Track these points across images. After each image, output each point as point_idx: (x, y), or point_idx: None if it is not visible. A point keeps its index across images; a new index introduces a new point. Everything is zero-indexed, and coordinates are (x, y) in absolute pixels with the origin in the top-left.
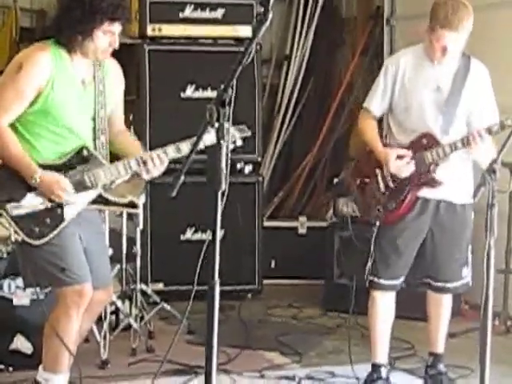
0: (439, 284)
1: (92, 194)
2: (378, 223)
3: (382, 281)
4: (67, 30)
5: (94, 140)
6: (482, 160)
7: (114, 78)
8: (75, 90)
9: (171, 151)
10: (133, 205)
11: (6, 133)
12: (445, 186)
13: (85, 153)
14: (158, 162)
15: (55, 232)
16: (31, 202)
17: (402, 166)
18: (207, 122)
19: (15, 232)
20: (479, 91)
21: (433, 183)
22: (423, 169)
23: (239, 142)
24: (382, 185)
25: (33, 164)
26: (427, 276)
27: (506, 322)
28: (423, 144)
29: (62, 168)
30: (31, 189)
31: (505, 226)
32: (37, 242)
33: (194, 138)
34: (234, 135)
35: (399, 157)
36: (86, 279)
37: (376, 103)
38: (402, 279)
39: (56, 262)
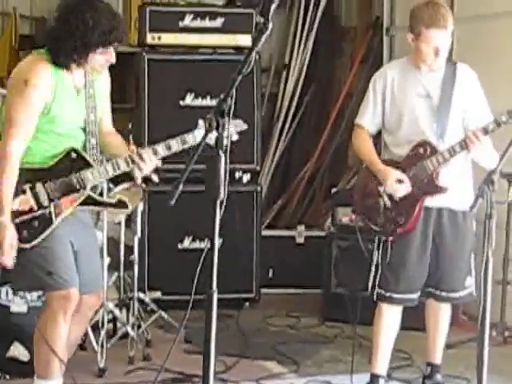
0: (442, 294)
1: (81, 196)
2: (390, 239)
3: (389, 294)
4: (63, 57)
5: (85, 142)
6: (484, 161)
7: (103, 81)
8: (70, 97)
9: (160, 149)
10: (122, 204)
11: (11, 161)
12: (446, 193)
13: (73, 155)
14: (147, 159)
15: (44, 235)
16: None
17: (399, 189)
18: (207, 130)
19: None
20: (469, 94)
21: (438, 190)
22: (427, 178)
23: (235, 137)
24: (387, 201)
25: (7, 208)
26: (429, 285)
27: (503, 332)
28: (421, 153)
29: (49, 171)
30: (22, 191)
31: (503, 236)
32: (26, 246)
33: (184, 136)
34: (230, 130)
35: (399, 180)
36: (72, 283)
37: (368, 118)
38: (415, 294)
39: (43, 265)
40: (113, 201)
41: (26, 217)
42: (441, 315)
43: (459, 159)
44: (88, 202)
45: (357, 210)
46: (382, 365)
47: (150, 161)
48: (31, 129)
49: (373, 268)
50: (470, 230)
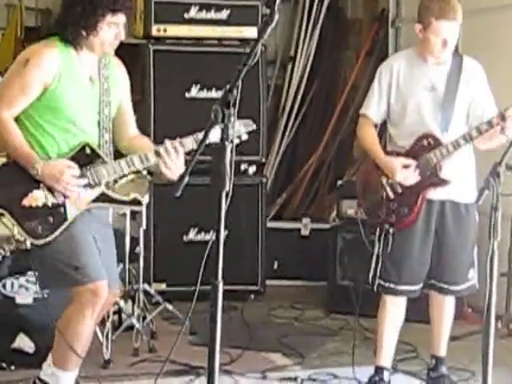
0: (445, 286)
1: (95, 192)
2: (391, 230)
3: (393, 286)
4: (71, 27)
5: (99, 138)
6: (492, 147)
7: (119, 77)
8: (83, 87)
9: (189, 143)
10: (137, 202)
11: (8, 123)
12: (449, 185)
13: (87, 150)
14: (173, 152)
15: (59, 230)
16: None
17: (408, 176)
18: (212, 122)
19: (18, 232)
20: (475, 87)
21: (441, 183)
22: (430, 170)
23: (244, 137)
24: (390, 192)
25: (33, 154)
26: (432, 277)
27: (508, 325)
28: (425, 145)
29: None
30: (37, 186)
31: (508, 229)
32: (40, 242)
33: (198, 134)
34: (240, 130)
35: (405, 166)
36: (101, 277)
37: (373, 109)
38: (418, 286)
39: (69, 261)
40: (127, 198)
41: (40, 212)
42: (445, 307)
43: (463, 151)
44: (102, 198)
45: (359, 201)
46: (386, 357)
47: (175, 154)
48: (22, 108)
49: (373, 259)
50: (473, 222)
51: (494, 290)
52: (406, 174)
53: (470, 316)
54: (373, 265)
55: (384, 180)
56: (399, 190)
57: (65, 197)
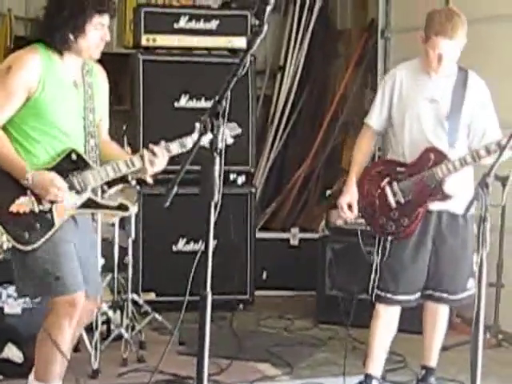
0: (443, 295)
1: (82, 198)
2: (389, 239)
3: (389, 295)
4: (59, 32)
5: (85, 143)
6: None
7: (102, 83)
8: (67, 92)
9: (175, 147)
10: (124, 207)
11: None
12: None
13: (73, 156)
14: (160, 155)
15: (45, 237)
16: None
17: (344, 211)
18: (201, 132)
19: (6, 239)
20: (478, 102)
21: (444, 198)
22: (434, 184)
23: (230, 141)
24: (392, 201)
25: (24, 164)
26: (430, 288)
27: (497, 335)
28: (431, 159)
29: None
30: (23, 193)
31: (497, 239)
32: (27, 248)
33: (183, 139)
34: (225, 133)
35: (349, 205)
36: (78, 288)
37: (375, 117)
38: (415, 295)
39: (51, 270)
40: (114, 203)
41: (27, 219)
42: (438, 318)
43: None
44: (89, 204)
45: (360, 209)
46: (376, 366)
47: (162, 157)
48: (8, 116)
49: (373, 269)
50: (471, 232)
51: (482, 301)
52: (346, 213)
53: (458, 326)
54: (372, 275)
55: (387, 189)
56: (402, 201)
57: (52, 203)
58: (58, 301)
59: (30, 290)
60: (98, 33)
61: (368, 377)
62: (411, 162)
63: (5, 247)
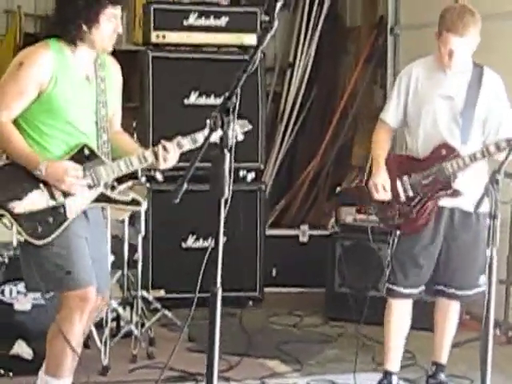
0: (455, 291)
1: (94, 193)
2: (398, 232)
3: (400, 289)
4: (73, 22)
5: (97, 138)
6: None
7: (115, 76)
8: (79, 87)
9: (186, 143)
10: (136, 202)
11: (7, 126)
12: (460, 196)
13: (86, 151)
14: (171, 151)
15: (58, 231)
16: (35, 201)
17: (379, 191)
18: (211, 129)
19: (18, 232)
20: (493, 99)
21: (454, 193)
22: (444, 179)
23: (240, 137)
24: (402, 194)
25: (36, 155)
26: (441, 283)
27: (507, 332)
28: (443, 154)
29: None
30: (36, 186)
31: (507, 235)
32: (40, 242)
33: (194, 135)
34: (236, 130)
35: (383, 187)
36: (90, 283)
37: (391, 114)
38: (420, 288)
39: (62, 265)
40: (126, 198)
41: (40, 213)
42: (450, 315)
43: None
44: (101, 199)
45: (370, 203)
46: (393, 361)
47: (174, 153)
48: (19, 110)
49: (385, 263)
50: (483, 229)
51: (492, 297)
52: (378, 188)
53: (468, 323)
54: (386, 270)
55: (398, 182)
56: (411, 194)
57: (65, 197)
58: (69, 295)
59: (39, 284)
60: (111, 24)
61: (388, 374)
62: (423, 157)
63: (14, 244)
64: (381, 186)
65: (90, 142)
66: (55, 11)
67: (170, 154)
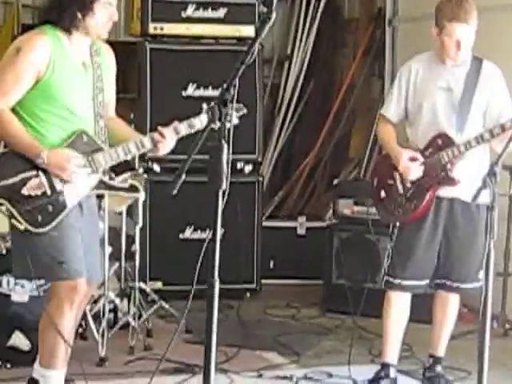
0: (454, 284)
1: (93, 180)
2: (397, 224)
3: (398, 281)
4: (67, 9)
5: (94, 124)
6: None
7: (110, 63)
8: (76, 73)
9: (183, 129)
10: (134, 188)
11: (6, 115)
12: (458, 184)
13: (84, 138)
14: (168, 135)
15: (59, 219)
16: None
17: (411, 167)
18: (210, 120)
19: (18, 221)
20: (492, 91)
21: (451, 182)
22: (440, 168)
23: (236, 121)
24: (400, 186)
25: (36, 142)
26: (440, 276)
27: (504, 324)
28: (439, 144)
29: None
30: (35, 175)
31: (504, 228)
32: (40, 230)
33: (191, 120)
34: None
35: (412, 159)
36: (81, 274)
37: (392, 108)
38: (423, 282)
39: (55, 255)
40: (125, 185)
41: (39, 201)
42: (449, 308)
43: (477, 153)
44: (100, 186)
45: (372, 196)
46: (391, 353)
47: (171, 138)
48: (17, 97)
49: (384, 256)
50: (484, 220)
51: (490, 290)
52: (409, 165)
53: (465, 316)
54: (384, 262)
55: (396, 174)
56: (408, 185)
57: (64, 184)
58: (60, 285)
59: (30, 272)
60: (106, 11)
61: (385, 366)
62: (422, 147)
63: (6, 230)
64: (408, 163)
65: (88, 128)
66: (50, 1)
67: (168, 140)
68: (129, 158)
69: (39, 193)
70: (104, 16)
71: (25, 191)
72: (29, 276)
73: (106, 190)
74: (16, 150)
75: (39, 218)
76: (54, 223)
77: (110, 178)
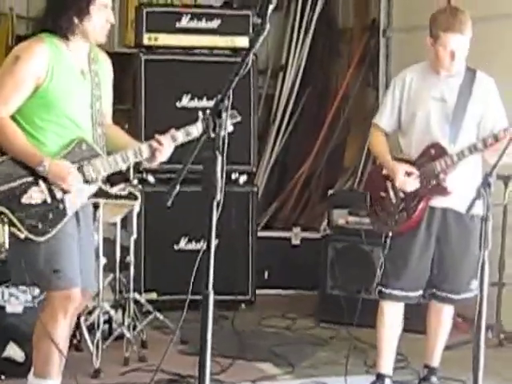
0: (445, 294)
1: (92, 188)
2: (390, 234)
3: (391, 291)
4: (64, 14)
5: (93, 132)
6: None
7: (107, 71)
8: (75, 80)
9: (180, 136)
10: (133, 196)
11: (7, 123)
12: (453, 194)
13: (83, 146)
14: (167, 145)
15: (58, 227)
16: (34, 197)
17: (408, 182)
18: (204, 132)
19: (18, 229)
20: (486, 102)
21: (443, 192)
22: (433, 178)
23: (230, 128)
24: (392, 196)
25: (38, 151)
26: (433, 286)
27: (498, 334)
28: (432, 154)
29: None
30: (35, 183)
31: (499, 238)
32: (41, 239)
33: (187, 127)
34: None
35: (407, 173)
36: (75, 284)
37: (384, 118)
38: (417, 293)
39: (51, 263)
40: (124, 192)
41: (40, 209)
42: (443, 319)
43: (470, 163)
44: (99, 194)
45: (366, 206)
46: (387, 364)
47: (168, 146)
48: (17, 105)
49: (378, 266)
50: (477, 231)
51: (484, 300)
52: (406, 179)
53: (460, 326)
54: (377, 272)
55: (389, 184)
56: (401, 195)
57: (64, 193)
58: (55, 294)
59: (25, 278)
60: (102, 14)
61: (380, 376)
62: (415, 158)
63: (7, 246)
64: (405, 177)
65: (86, 136)
66: (45, 5)
67: (165, 147)
68: (127, 165)
69: (39, 201)
70: (101, 19)
71: (25, 199)
72: (24, 281)
73: (106, 198)
74: (17, 158)
75: (40, 225)
76: (53, 231)
77: (110, 185)
